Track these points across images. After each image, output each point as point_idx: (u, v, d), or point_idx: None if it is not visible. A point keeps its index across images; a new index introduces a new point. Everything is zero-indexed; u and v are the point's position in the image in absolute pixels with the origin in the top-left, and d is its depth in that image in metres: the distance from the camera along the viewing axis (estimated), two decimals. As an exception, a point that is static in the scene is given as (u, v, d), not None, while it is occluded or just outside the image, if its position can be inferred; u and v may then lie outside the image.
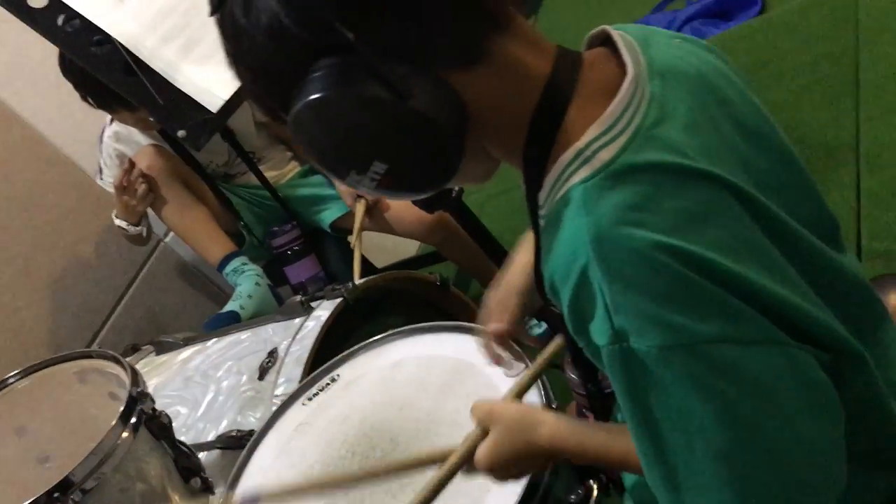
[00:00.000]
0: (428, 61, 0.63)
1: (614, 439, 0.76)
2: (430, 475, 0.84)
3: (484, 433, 0.82)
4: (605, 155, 0.63)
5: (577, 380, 1.13)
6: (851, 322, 0.68)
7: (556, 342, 0.93)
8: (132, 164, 1.92)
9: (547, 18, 3.52)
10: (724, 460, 0.60)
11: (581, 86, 0.67)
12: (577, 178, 0.63)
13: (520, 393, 0.89)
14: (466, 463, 0.82)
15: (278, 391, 1.36)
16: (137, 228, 2.00)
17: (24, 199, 2.08)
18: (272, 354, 1.46)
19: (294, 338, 1.45)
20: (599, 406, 1.01)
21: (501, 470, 0.82)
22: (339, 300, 1.47)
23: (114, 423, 1.04)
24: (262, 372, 1.44)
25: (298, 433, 1.16)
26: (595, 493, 0.92)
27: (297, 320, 1.50)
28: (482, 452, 0.81)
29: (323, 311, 1.47)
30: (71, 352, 1.24)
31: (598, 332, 0.61)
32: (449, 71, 0.64)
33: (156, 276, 2.31)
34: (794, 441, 0.61)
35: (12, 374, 1.21)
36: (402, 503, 0.94)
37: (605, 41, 0.72)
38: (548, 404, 0.92)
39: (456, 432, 0.98)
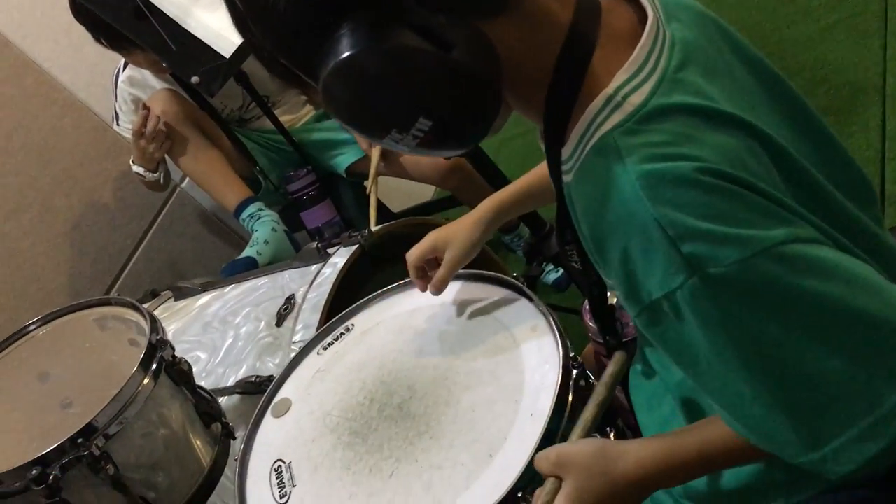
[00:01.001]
0: (462, 11, 0.62)
1: (709, 433, 0.70)
2: None
3: (559, 484, 0.73)
4: (636, 99, 0.62)
5: (594, 327, 1.13)
6: None
7: (617, 359, 0.88)
8: (147, 109, 1.90)
9: None
10: (843, 357, 0.59)
11: (603, 32, 0.66)
12: (609, 125, 0.62)
13: (587, 429, 0.81)
14: None
15: (296, 337, 1.37)
16: (155, 175, 2.00)
17: (40, 146, 2.08)
18: (289, 301, 1.47)
19: (311, 284, 1.45)
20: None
21: None
22: (355, 247, 1.47)
23: (134, 369, 1.05)
24: (280, 318, 1.45)
25: (317, 379, 1.17)
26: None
27: (314, 267, 1.50)
28: (562, 499, 0.72)
29: (339, 257, 1.47)
30: (90, 299, 1.24)
31: (667, 274, 0.59)
32: (480, 20, 0.63)
33: (173, 221, 2.32)
34: (892, 308, 0.60)
35: (33, 321, 1.22)
36: (419, 449, 0.95)
37: None
38: (564, 352, 0.92)
39: (472, 382, 0.98)
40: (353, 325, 1.23)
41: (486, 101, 0.64)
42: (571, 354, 0.92)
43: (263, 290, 1.57)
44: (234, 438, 1.21)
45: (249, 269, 1.80)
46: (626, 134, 0.62)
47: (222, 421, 1.21)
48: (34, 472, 0.96)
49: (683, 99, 0.62)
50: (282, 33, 0.64)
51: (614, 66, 0.64)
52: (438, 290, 1.10)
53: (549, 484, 0.74)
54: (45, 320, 1.23)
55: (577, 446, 0.76)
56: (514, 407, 0.91)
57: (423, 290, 1.12)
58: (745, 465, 0.73)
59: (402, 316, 1.18)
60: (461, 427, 0.94)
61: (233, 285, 1.67)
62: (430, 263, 1.12)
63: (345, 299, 1.37)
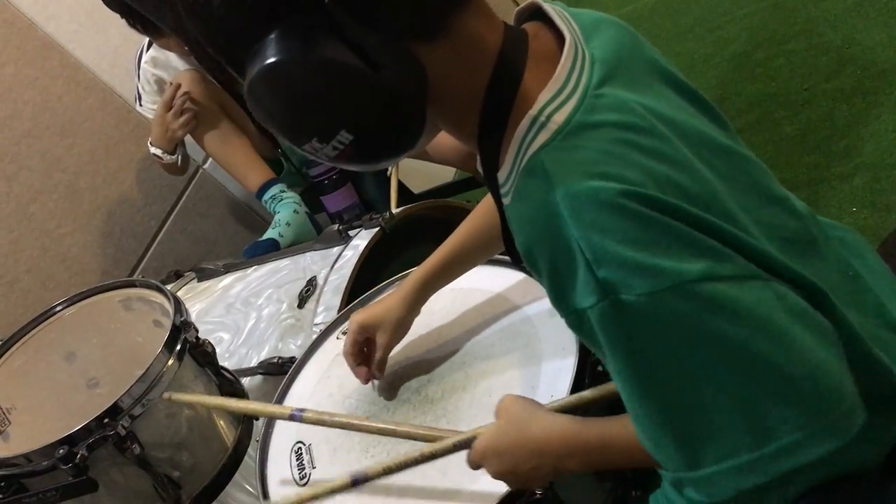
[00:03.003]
0: (396, 32, 0.63)
1: (613, 425, 0.73)
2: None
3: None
4: (559, 117, 0.64)
5: None
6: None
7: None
8: (178, 86, 1.91)
9: None
10: (735, 398, 0.60)
11: (530, 56, 0.68)
12: (536, 146, 0.64)
13: (561, 408, 0.85)
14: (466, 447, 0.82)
15: (318, 319, 1.38)
16: (172, 157, 2.01)
17: (64, 126, 2.09)
18: (311, 283, 1.48)
19: (332, 266, 1.46)
20: None
21: (494, 460, 0.80)
22: (376, 229, 1.47)
23: (159, 350, 1.07)
24: (302, 300, 1.46)
25: (336, 363, 1.18)
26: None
27: (336, 249, 1.51)
28: (479, 439, 0.81)
29: (361, 240, 1.48)
30: (115, 280, 1.26)
31: (583, 292, 0.61)
32: (415, 43, 0.64)
33: (196, 203, 2.33)
34: (802, 364, 0.60)
35: (60, 302, 1.23)
36: (426, 414, 0.95)
37: (534, 15, 0.72)
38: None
39: (489, 367, 0.99)
40: (374, 306, 1.24)
41: (410, 122, 0.65)
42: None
43: (285, 272, 1.58)
44: (257, 419, 1.23)
45: (271, 250, 1.81)
46: (552, 152, 0.63)
47: (245, 401, 1.22)
48: (62, 450, 0.98)
49: (604, 116, 0.64)
50: (213, 30, 0.64)
51: (540, 87, 0.65)
52: (380, 374, 1.09)
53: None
54: (72, 301, 1.24)
55: (517, 400, 0.82)
56: (531, 393, 0.91)
57: (366, 381, 1.09)
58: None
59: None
60: (477, 412, 0.95)
61: (255, 266, 1.68)
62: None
63: (366, 281, 1.37)
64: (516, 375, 0.95)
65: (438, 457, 0.83)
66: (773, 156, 1.86)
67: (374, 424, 0.92)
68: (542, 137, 0.63)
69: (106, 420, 1.00)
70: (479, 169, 0.73)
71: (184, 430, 1.10)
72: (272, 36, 0.61)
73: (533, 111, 0.64)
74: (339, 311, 1.33)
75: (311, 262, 1.55)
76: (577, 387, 0.88)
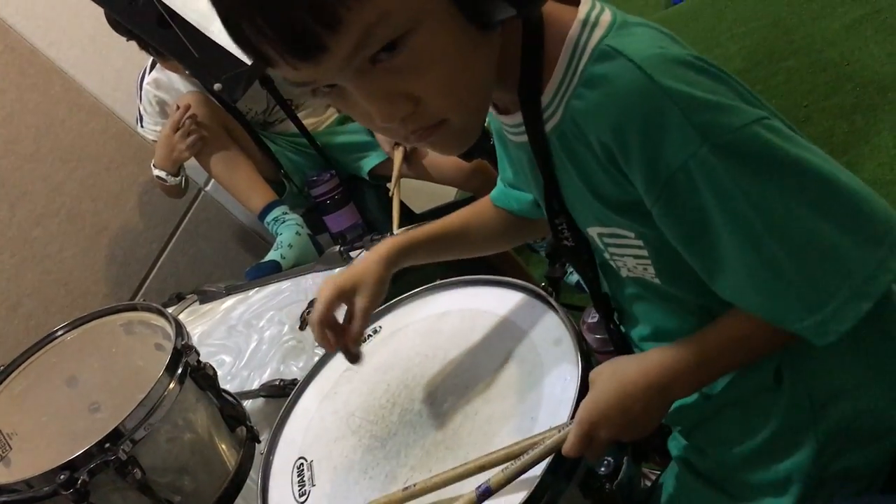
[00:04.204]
0: None
1: (706, 333, 0.75)
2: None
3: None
4: (606, 18, 0.70)
5: (598, 339, 1.12)
6: None
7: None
8: (187, 107, 1.92)
9: None
10: (835, 219, 0.65)
11: None
12: (595, 40, 0.68)
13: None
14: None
15: (319, 341, 1.38)
16: (176, 179, 2.02)
17: (66, 150, 2.11)
18: (312, 304, 1.47)
19: (334, 288, 1.46)
20: (625, 351, 0.99)
21: (603, 422, 0.77)
22: (378, 250, 1.47)
23: (160, 374, 1.06)
24: (303, 322, 1.46)
25: (345, 378, 1.17)
26: (624, 463, 0.91)
27: (337, 270, 1.51)
28: (580, 412, 0.78)
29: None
30: (116, 304, 1.26)
31: (682, 143, 0.63)
32: None
33: (198, 225, 2.34)
34: (861, 187, 0.66)
35: (61, 326, 1.23)
36: (435, 459, 0.95)
37: None
38: (584, 367, 0.90)
39: (492, 393, 0.98)
40: (380, 326, 1.24)
41: None
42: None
43: (287, 294, 1.58)
44: (259, 442, 1.22)
45: (273, 272, 1.81)
46: (615, 38, 0.68)
47: (247, 424, 1.22)
48: (63, 476, 0.98)
49: (640, 22, 0.70)
50: None
51: (566, 13, 0.70)
52: (357, 348, 1.00)
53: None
54: (73, 325, 1.24)
55: (604, 364, 0.82)
56: (531, 424, 0.90)
57: (334, 349, 1.00)
58: (754, 358, 0.76)
59: (431, 319, 1.18)
60: (476, 439, 0.94)
61: (256, 288, 1.68)
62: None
63: (368, 303, 1.37)
64: (517, 404, 0.94)
65: (541, 460, 0.81)
66: (773, 173, 1.86)
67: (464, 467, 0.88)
68: (599, 32, 0.68)
69: (107, 445, 1.00)
70: (498, 118, 0.78)
71: (186, 455, 1.09)
72: None
73: (581, 16, 0.70)
74: (341, 332, 1.33)
75: (313, 284, 1.55)
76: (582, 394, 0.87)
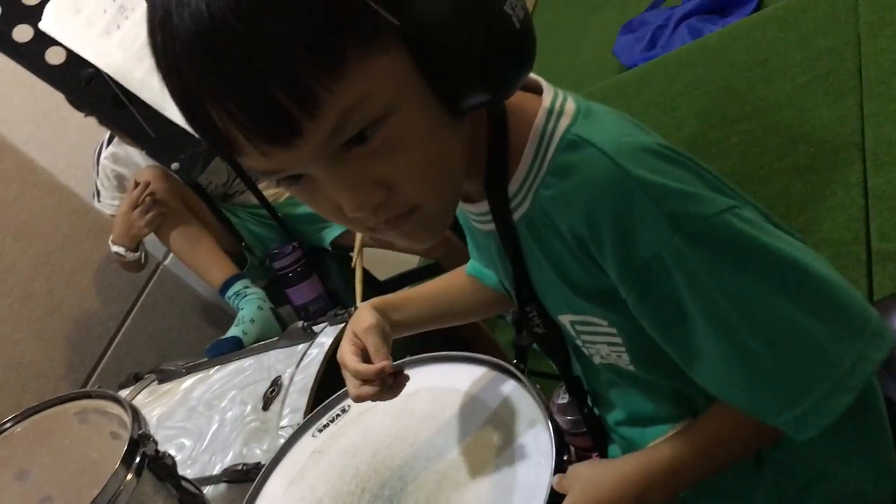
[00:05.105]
0: None
1: (681, 437, 0.73)
2: None
3: None
4: (570, 106, 0.70)
5: (569, 421, 1.10)
6: None
7: None
8: (146, 184, 1.89)
9: (542, 18, 3.50)
10: (810, 311, 0.63)
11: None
12: (561, 129, 0.68)
13: None
14: None
15: (283, 422, 1.33)
16: (135, 254, 1.98)
17: (19, 228, 2.05)
18: (276, 383, 1.43)
19: (298, 366, 1.42)
20: (600, 434, 0.97)
21: None
22: (342, 325, 1.44)
23: (116, 466, 1.01)
24: (267, 402, 1.41)
25: (312, 462, 1.13)
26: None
27: (301, 347, 1.47)
28: None
29: (326, 337, 1.44)
30: (69, 392, 1.21)
31: (653, 234, 0.62)
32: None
33: (156, 300, 2.29)
34: (835, 275, 0.65)
35: (9, 418, 1.17)
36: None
37: None
38: (558, 450, 0.87)
39: (464, 477, 0.95)
40: (349, 405, 1.20)
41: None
42: (566, 457, 0.88)
43: (249, 373, 1.53)
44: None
45: (235, 349, 1.77)
46: (582, 127, 0.67)
47: (209, 515, 1.16)
48: (11, 582, 0.92)
49: (603, 108, 0.71)
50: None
51: (530, 102, 0.70)
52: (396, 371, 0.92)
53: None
54: (23, 416, 1.18)
55: (579, 466, 0.80)
56: None
57: (384, 396, 0.91)
58: (736, 459, 0.74)
59: (401, 398, 1.14)
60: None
61: (217, 367, 1.63)
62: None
63: (333, 381, 1.33)
64: (491, 489, 0.91)
65: None
66: (734, 234, 1.88)
67: None
68: (565, 121, 0.68)
69: (59, 545, 0.94)
70: (467, 208, 0.77)
71: (143, 552, 1.04)
72: None
73: (545, 104, 0.69)
74: (306, 413, 1.29)
75: (276, 361, 1.51)
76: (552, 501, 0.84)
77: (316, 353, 1.42)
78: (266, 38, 0.52)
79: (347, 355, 0.91)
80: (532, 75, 0.73)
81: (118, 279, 2.19)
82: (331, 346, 1.40)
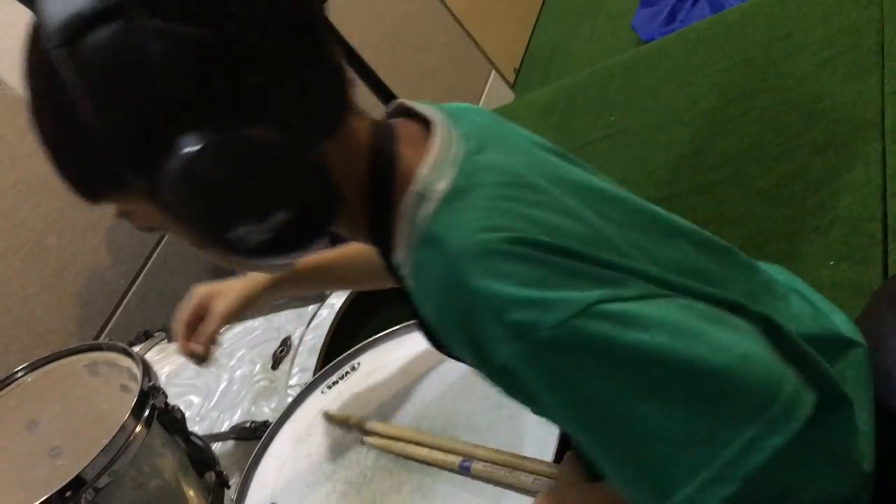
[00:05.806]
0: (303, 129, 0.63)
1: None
2: None
3: None
4: (442, 186, 0.65)
5: None
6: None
7: None
8: None
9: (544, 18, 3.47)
10: (678, 408, 0.58)
11: (400, 140, 0.69)
12: (424, 217, 0.64)
13: None
14: None
15: (293, 381, 1.34)
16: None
17: (30, 185, 2.05)
18: (285, 343, 1.44)
19: (308, 326, 1.42)
20: None
21: None
22: (352, 287, 1.44)
23: (126, 417, 1.02)
24: (276, 361, 1.42)
25: (319, 420, 1.14)
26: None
27: (311, 307, 1.48)
28: None
29: (337, 298, 1.44)
30: (81, 344, 1.21)
31: (500, 343, 0.59)
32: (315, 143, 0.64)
33: (167, 260, 2.29)
34: (728, 357, 0.59)
35: (20, 367, 1.18)
36: (403, 484, 0.92)
37: (396, 113, 0.75)
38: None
39: (471, 435, 0.95)
40: (358, 363, 1.21)
41: (329, 202, 0.64)
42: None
43: (258, 332, 1.54)
44: (229, 487, 1.18)
45: (244, 309, 1.77)
46: (440, 218, 0.63)
47: (216, 469, 1.17)
48: (20, 527, 0.93)
49: (487, 177, 0.65)
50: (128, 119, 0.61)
51: (417, 166, 0.66)
52: (205, 349, 1.03)
53: None
54: (34, 367, 1.19)
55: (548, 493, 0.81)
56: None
57: (187, 352, 1.03)
58: None
59: (411, 357, 1.15)
60: (455, 487, 0.91)
61: (227, 326, 1.63)
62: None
63: (342, 341, 1.34)
64: (501, 434, 0.92)
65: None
66: (747, 210, 1.86)
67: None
68: (428, 208, 0.64)
69: (68, 493, 0.95)
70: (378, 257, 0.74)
71: (152, 503, 1.04)
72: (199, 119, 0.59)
73: (416, 188, 0.65)
74: (315, 372, 1.29)
75: (286, 321, 1.51)
76: (560, 454, 0.84)
77: (326, 313, 1.42)
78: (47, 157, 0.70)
79: (182, 319, 1.06)
80: (428, 110, 0.71)
81: (130, 237, 2.19)
82: (341, 306, 1.40)
